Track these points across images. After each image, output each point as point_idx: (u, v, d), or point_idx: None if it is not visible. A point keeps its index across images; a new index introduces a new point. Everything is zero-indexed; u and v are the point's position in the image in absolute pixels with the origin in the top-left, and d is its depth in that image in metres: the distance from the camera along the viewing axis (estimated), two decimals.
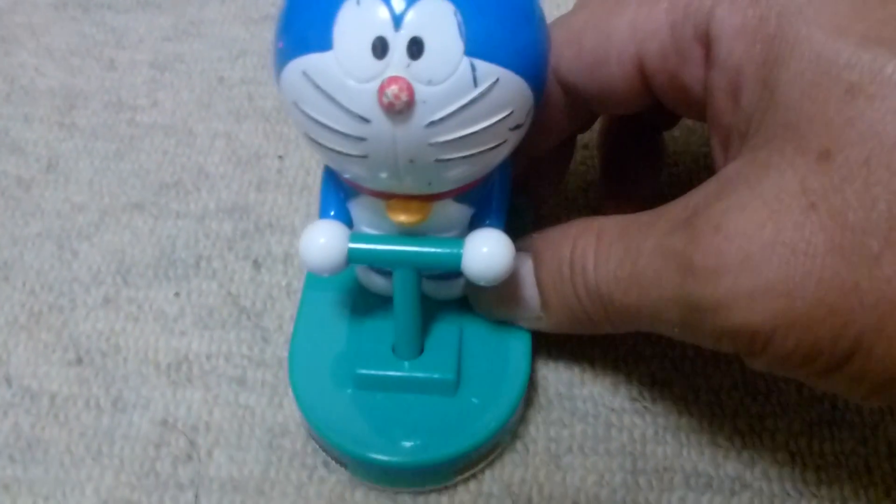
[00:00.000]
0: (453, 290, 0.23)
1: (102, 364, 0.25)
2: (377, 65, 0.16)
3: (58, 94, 0.33)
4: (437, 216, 0.20)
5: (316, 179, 0.30)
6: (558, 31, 0.20)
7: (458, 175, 0.19)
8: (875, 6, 0.16)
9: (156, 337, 0.26)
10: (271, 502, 0.22)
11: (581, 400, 0.24)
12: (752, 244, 0.16)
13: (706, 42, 0.18)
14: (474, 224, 0.21)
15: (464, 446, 0.21)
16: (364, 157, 0.18)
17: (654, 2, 0.19)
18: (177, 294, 0.27)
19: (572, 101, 0.21)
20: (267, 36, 0.36)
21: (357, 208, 0.21)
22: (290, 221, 0.29)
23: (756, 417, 0.23)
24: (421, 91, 0.16)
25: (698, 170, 0.30)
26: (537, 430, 0.23)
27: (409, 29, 0.16)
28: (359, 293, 0.24)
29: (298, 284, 0.27)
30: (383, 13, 0.16)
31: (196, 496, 0.22)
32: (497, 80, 0.17)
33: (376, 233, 0.21)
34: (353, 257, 0.20)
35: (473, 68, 0.17)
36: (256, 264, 0.27)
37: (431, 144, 0.17)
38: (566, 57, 0.20)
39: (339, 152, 0.18)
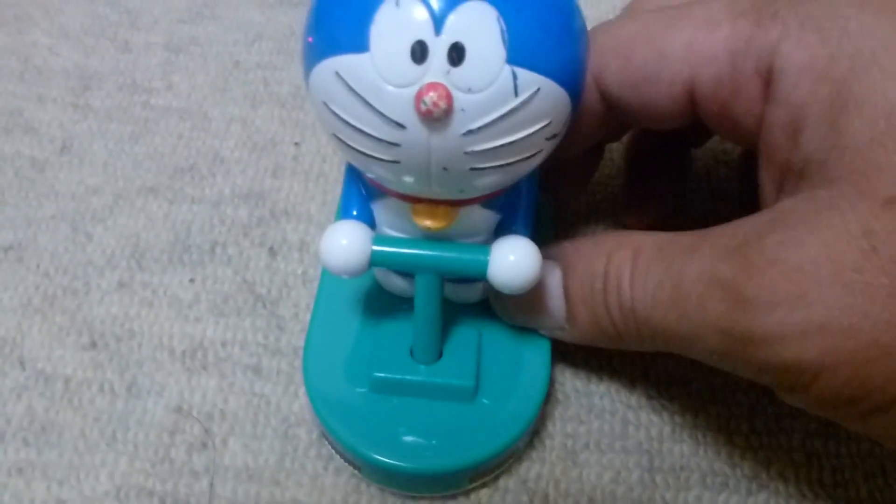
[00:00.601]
0: (473, 293, 0.23)
1: (117, 349, 0.25)
2: (416, 70, 0.16)
3: (72, 74, 0.33)
4: (463, 221, 0.20)
5: (332, 167, 0.30)
6: (603, 38, 0.20)
7: (489, 183, 0.18)
8: None
9: (171, 323, 0.25)
10: (287, 492, 0.22)
11: (598, 396, 0.24)
12: (808, 280, 0.16)
13: (767, 76, 0.18)
14: (500, 230, 0.21)
15: (480, 455, 0.21)
16: (395, 162, 0.17)
17: (714, 26, 0.19)
18: (192, 280, 0.26)
19: (609, 111, 0.21)
20: (283, 20, 0.36)
21: (380, 209, 0.20)
22: (305, 209, 0.28)
23: (773, 417, 0.23)
24: (460, 99, 0.16)
25: (716, 165, 0.30)
26: (554, 426, 0.23)
27: (451, 34, 0.16)
28: (376, 292, 0.23)
29: (314, 273, 0.27)
30: (424, 16, 0.16)
31: (211, 484, 0.22)
32: (538, 89, 0.16)
33: (399, 235, 0.20)
34: (375, 261, 0.20)
35: (515, 77, 0.16)
36: (272, 251, 0.27)
37: (467, 153, 0.17)
38: (612, 69, 0.20)
39: (369, 156, 0.17)
